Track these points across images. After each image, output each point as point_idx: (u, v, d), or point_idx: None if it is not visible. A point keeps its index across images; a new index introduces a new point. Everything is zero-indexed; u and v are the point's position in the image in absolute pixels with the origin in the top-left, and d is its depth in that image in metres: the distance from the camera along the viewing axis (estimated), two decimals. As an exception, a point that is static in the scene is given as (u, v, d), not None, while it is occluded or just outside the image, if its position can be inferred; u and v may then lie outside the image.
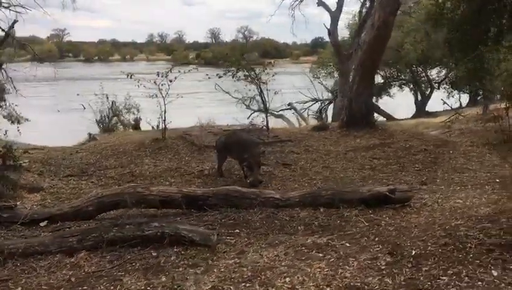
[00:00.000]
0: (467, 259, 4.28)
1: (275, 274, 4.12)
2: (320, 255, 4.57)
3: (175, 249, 5.00)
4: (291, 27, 16.36)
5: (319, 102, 27.45)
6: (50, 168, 9.85)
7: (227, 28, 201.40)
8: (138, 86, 11.96)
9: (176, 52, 55.88)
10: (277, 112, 23.46)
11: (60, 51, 66.11)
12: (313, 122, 22.25)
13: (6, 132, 16.83)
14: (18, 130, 17.05)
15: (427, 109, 27.64)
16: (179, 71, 11.96)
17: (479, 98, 24.57)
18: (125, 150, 11.48)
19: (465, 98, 27.40)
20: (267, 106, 13.47)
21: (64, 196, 7.72)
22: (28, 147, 12.00)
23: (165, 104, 12.21)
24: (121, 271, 4.52)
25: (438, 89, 28.23)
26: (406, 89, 29.11)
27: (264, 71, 13.10)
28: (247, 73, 12.93)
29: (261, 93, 13.27)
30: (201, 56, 59.23)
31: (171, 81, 11.96)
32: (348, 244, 4.89)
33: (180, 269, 4.55)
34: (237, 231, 5.83)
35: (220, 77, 12.88)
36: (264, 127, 13.05)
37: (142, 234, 5.05)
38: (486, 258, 4.27)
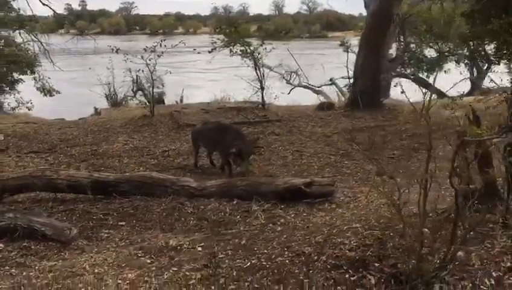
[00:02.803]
0: (297, 276, 3.61)
1: (67, 286, 3.66)
2: (148, 261, 4.06)
3: (25, 244, 4.67)
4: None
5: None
6: (22, 143, 9.85)
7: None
8: (126, 60, 11.74)
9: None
10: (317, 87, 22.57)
11: (127, 24, 67.82)
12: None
13: (15, 108, 17.39)
14: (30, 103, 17.54)
15: (483, 85, 25.49)
16: (165, 46, 11.54)
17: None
18: (111, 126, 11.34)
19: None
20: (263, 83, 12.61)
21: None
22: (20, 121, 12.17)
23: (153, 80, 11.91)
24: None
25: (498, 64, 25.91)
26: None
27: (261, 46, 12.33)
28: (242, 48, 12.22)
29: (256, 69, 12.50)
30: (263, 28, 58.34)
31: (159, 56, 11.60)
32: (199, 249, 4.33)
33: (7, 267, 4.21)
34: (123, 223, 5.43)
35: (210, 52, 12.30)
36: (260, 106, 12.35)
37: (-5, 224, 4.75)
38: (320, 277, 3.57)
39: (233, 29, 12.16)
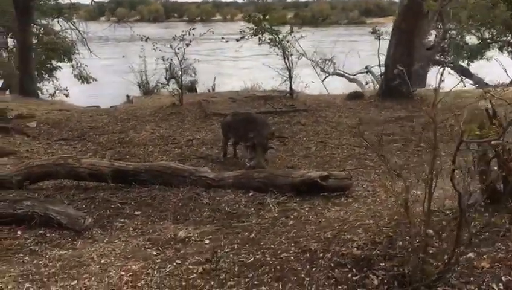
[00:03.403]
0: (299, 273, 3.56)
1: (72, 275, 3.73)
2: (154, 253, 4.08)
3: (41, 231, 4.77)
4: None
5: (399, 65, 25.44)
6: (53, 130, 10.09)
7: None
8: (154, 49, 11.84)
9: (274, 12, 54.77)
10: (353, 75, 22.21)
11: (166, 11, 68.37)
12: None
13: (53, 94, 17.84)
14: (66, 90, 17.95)
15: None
16: (193, 34, 11.54)
17: None
18: (140, 115, 11.48)
19: None
20: (292, 72, 12.42)
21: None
22: (55, 108, 12.47)
23: (181, 68, 11.97)
24: None
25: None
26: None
27: (290, 34, 12.15)
28: (271, 36, 12.08)
29: (285, 58, 12.34)
30: (300, 16, 57.79)
31: (187, 45, 11.64)
32: (207, 242, 4.33)
33: (20, 254, 4.32)
34: (139, 212, 5.49)
35: (237, 41, 12.22)
36: (288, 95, 12.23)
37: (14, 212, 4.88)
38: (322, 275, 3.51)
39: (262, 17, 12.01)
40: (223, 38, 12.64)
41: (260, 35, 12.20)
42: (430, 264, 3.16)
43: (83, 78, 20.86)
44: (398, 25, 11.60)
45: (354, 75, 22.28)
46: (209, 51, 29.13)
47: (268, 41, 12.17)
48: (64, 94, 19.69)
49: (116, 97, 17.96)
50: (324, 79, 20.68)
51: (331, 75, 21.88)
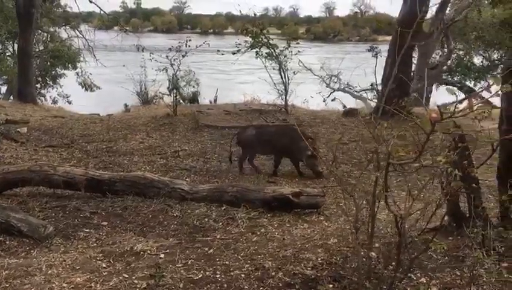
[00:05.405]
0: (243, 294, 3.45)
1: (14, 285, 3.65)
2: (104, 266, 3.99)
3: (1, 238, 4.71)
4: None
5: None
6: (43, 136, 10.08)
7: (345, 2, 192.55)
8: (151, 60, 11.85)
9: (286, 27, 55.22)
10: (357, 92, 22.10)
11: (179, 22, 68.90)
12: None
13: (55, 100, 17.92)
14: (68, 97, 18.04)
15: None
16: (189, 46, 11.55)
17: None
18: (133, 124, 11.48)
19: None
20: (287, 86, 12.33)
21: (11, 168, 7.75)
22: (50, 114, 12.50)
23: (176, 79, 11.95)
24: None
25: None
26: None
27: (287, 49, 12.09)
28: (268, 50, 12.04)
29: (281, 72, 12.27)
30: (311, 31, 57.98)
31: (183, 56, 11.64)
32: (162, 256, 4.24)
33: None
34: (106, 223, 5.41)
35: (234, 54, 12.18)
36: (283, 109, 12.16)
37: (-24, 218, 4.83)
38: (267, 296, 3.41)
39: (259, 31, 11.97)
40: (218, 50, 12.59)
41: (258, 49, 12.13)
42: (367, 288, 3.05)
43: (87, 86, 20.95)
44: (394, 44, 11.50)
45: (359, 92, 22.17)
46: (209, 63, 29.14)
47: (265, 55, 12.11)
48: (67, 101, 19.79)
49: (119, 105, 17.95)
50: (329, 95, 20.59)
51: (336, 91, 21.79)
